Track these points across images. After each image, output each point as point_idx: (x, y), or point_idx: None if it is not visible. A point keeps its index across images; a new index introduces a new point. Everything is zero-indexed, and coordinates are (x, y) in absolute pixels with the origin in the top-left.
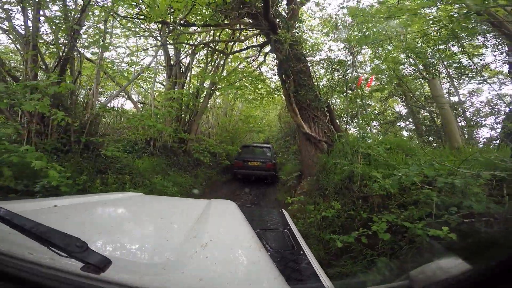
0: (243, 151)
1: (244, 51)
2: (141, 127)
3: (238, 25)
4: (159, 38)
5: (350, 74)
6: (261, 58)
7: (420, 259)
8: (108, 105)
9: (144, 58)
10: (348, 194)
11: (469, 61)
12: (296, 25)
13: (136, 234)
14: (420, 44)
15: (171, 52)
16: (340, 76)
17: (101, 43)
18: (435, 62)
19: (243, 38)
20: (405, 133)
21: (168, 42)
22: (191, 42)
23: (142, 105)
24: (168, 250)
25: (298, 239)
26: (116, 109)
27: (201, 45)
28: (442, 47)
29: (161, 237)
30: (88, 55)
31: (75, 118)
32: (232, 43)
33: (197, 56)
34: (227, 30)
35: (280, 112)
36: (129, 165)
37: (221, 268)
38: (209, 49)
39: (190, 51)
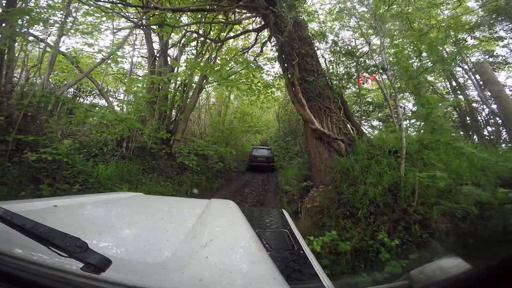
0: (253, 151)
1: (240, 37)
2: (110, 124)
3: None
4: (135, 20)
5: (377, 57)
6: (257, 50)
7: None
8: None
9: (128, 52)
10: (392, 215)
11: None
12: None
13: (136, 234)
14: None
15: (156, 46)
16: (362, 61)
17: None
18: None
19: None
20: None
21: (150, 26)
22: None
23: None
24: (168, 250)
25: (298, 239)
26: (61, 97)
27: (193, 35)
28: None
29: (161, 237)
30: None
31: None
32: (226, 32)
33: (186, 49)
34: (219, 17)
35: (279, 112)
36: (86, 171)
37: (221, 268)
38: (200, 40)
39: (177, 41)
